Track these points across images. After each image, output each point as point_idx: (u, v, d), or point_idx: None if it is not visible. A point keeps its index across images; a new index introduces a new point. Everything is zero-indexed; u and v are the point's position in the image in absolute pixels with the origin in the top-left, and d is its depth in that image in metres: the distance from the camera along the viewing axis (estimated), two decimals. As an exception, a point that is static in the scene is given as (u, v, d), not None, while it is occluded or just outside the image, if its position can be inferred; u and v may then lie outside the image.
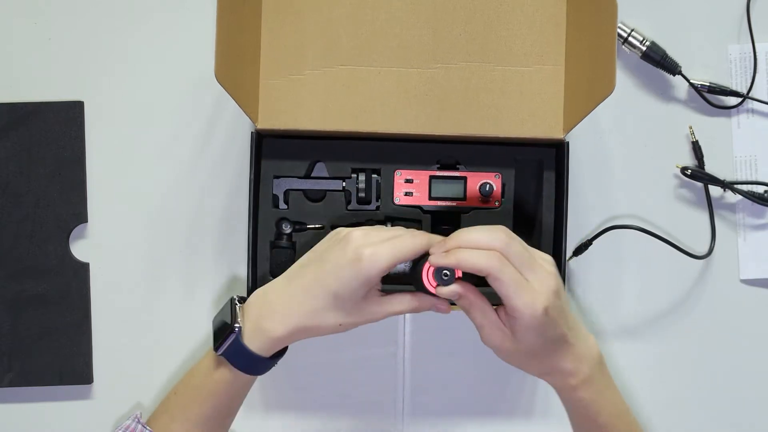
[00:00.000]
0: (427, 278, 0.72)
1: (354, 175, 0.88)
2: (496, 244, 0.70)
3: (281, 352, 0.78)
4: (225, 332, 0.75)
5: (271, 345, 0.75)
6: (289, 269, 0.77)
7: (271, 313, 0.75)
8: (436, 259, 0.71)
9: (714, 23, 0.94)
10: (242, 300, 0.78)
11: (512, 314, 0.70)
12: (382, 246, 0.71)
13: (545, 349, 0.73)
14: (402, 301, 0.75)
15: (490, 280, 0.69)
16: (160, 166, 0.94)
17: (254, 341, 0.75)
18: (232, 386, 0.77)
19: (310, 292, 0.74)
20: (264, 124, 0.85)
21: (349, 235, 0.73)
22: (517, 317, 0.70)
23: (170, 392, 0.81)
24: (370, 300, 0.75)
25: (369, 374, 0.93)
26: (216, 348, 0.75)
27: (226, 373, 0.76)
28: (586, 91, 0.82)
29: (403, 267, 0.77)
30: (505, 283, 0.69)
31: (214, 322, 0.78)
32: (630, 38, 0.92)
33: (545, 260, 0.73)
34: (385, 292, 0.76)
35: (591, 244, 0.92)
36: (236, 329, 0.75)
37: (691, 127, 0.94)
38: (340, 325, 0.74)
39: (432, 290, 0.72)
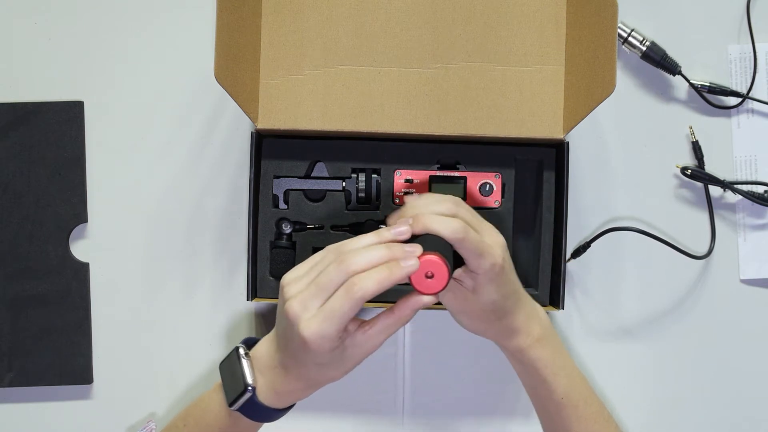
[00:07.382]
0: (420, 286, 0.68)
1: (354, 175, 0.88)
2: (450, 211, 0.71)
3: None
4: (238, 390, 0.74)
5: (287, 402, 0.75)
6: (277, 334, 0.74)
7: (284, 381, 0.74)
8: (401, 228, 0.69)
9: (714, 23, 0.94)
10: (247, 345, 0.76)
11: (476, 271, 0.71)
12: (319, 321, 0.67)
13: (503, 305, 0.75)
14: (383, 327, 0.71)
15: (456, 243, 0.70)
16: (160, 166, 0.94)
17: (269, 400, 0.74)
18: (246, 429, 0.78)
19: (301, 379, 0.73)
20: (264, 124, 0.85)
21: (287, 310, 0.69)
22: (480, 273, 0.71)
23: (178, 422, 0.80)
24: (354, 342, 0.71)
25: (369, 374, 0.93)
26: (231, 404, 0.74)
27: (241, 419, 0.76)
28: (586, 91, 0.82)
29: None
30: (472, 242, 0.70)
31: (222, 370, 0.76)
32: (630, 38, 0.92)
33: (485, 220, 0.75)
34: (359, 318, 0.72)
35: (589, 246, 0.92)
36: (250, 390, 0.73)
37: (691, 127, 0.93)
38: (343, 373, 0.72)
39: (430, 291, 0.68)
